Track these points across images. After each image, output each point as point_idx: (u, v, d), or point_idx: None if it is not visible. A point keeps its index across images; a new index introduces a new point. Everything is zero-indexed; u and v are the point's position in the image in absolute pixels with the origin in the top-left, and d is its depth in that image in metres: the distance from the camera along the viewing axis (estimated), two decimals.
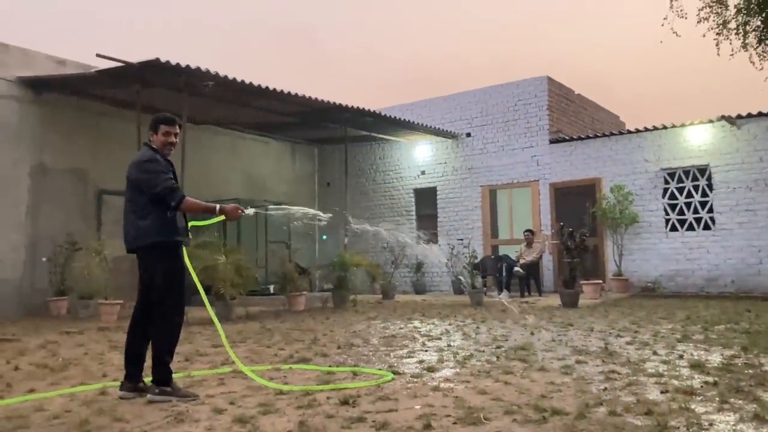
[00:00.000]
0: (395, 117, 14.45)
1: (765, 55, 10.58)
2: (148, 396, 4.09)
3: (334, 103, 12.58)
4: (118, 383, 4.35)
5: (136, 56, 10.48)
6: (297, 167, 18.01)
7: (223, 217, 4.33)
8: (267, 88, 11.22)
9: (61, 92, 11.74)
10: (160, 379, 4.14)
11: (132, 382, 4.26)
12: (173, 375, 4.26)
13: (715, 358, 5.17)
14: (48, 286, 11.15)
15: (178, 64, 9.78)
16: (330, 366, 5.22)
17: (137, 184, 4.27)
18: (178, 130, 4.49)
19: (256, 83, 11.03)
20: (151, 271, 4.28)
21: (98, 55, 9.48)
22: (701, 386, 4.08)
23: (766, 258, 12.07)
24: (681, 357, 5.24)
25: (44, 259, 11.17)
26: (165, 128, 4.40)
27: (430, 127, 15.43)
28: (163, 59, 9.53)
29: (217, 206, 4.29)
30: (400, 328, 7.94)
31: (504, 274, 13.27)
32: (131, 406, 3.97)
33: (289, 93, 11.66)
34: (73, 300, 10.82)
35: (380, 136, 15.99)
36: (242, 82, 10.81)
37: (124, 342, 4.43)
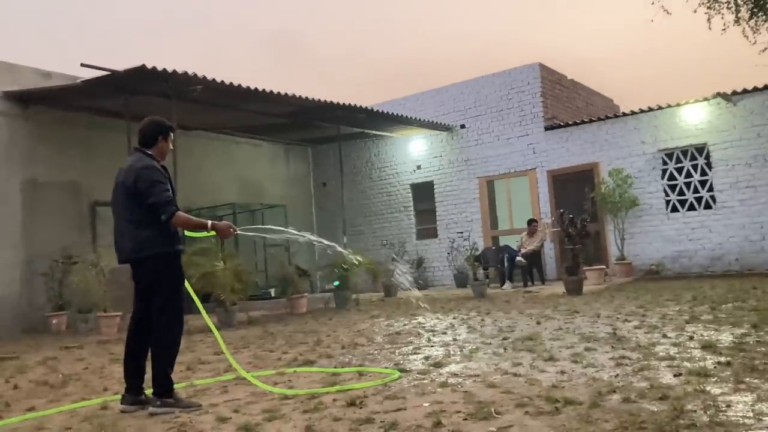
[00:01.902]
0: (388, 112, 14.34)
1: (758, 28, 10.47)
2: (150, 408, 3.99)
3: (326, 101, 12.47)
4: (119, 397, 4.25)
5: (122, 64, 10.37)
6: (291, 169, 17.90)
7: (214, 233, 4.24)
8: (256, 89, 11.11)
9: (48, 105, 11.63)
10: (161, 391, 4.04)
11: (133, 394, 4.16)
12: (175, 385, 4.16)
13: (726, 337, 5.07)
14: (46, 301, 11.04)
15: (164, 69, 9.66)
16: (335, 367, 5.13)
17: (134, 191, 4.11)
18: None
19: (244, 85, 10.91)
20: (153, 282, 4.17)
21: (83, 65, 9.38)
22: (714, 367, 3.99)
23: None
24: (691, 338, 5.14)
25: (41, 273, 11.06)
26: (172, 136, 4.38)
27: (424, 120, 15.33)
28: (148, 65, 9.41)
29: (209, 222, 4.18)
30: (404, 325, 7.84)
31: (506, 264, 13.19)
32: (133, 419, 3.87)
33: (279, 93, 11.55)
34: (72, 314, 10.71)
35: (374, 132, 15.89)
36: (231, 84, 10.71)
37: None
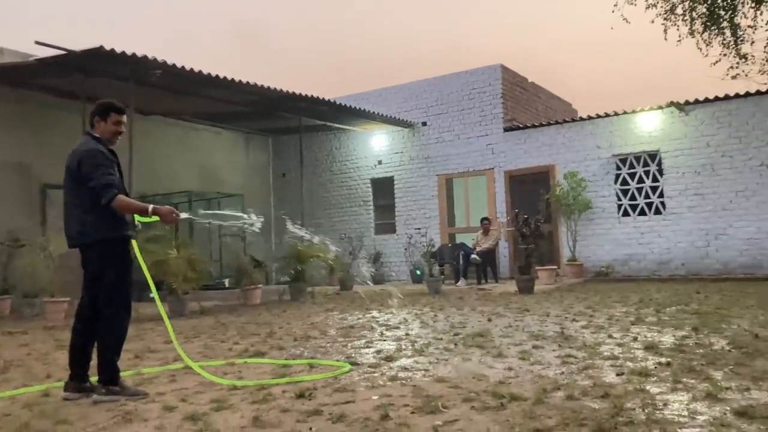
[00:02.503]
0: (351, 106, 14.31)
1: (710, 41, 10.81)
2: (94, 396, 3.92)
3: (288, 91, 12.37)
4: (63, 384, 4.15)
5: (79, 45, 10.09)
6: (251, 158, 17.72)
7: (158, 218, 4.09)
8: (218, 76, 10.95)
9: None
10: (107, 379, 3.97)
11: (77, 382, 4.07)
12: (122, 373, 4.09)
13: (668, 339, 5.25)
14: None
15: (123, 52, 9.45)
16: (286, 359, 5.12)
17: (77, 175, 4.04)
18: (125, 120, 4.29)
19: (205, 72, 10.75)
20: (100, 267, 4.08)
21: (37, 43, 9.09)
22: (655, 367, 4.13)
23: (714, 241, 12.41)
24: (635, 339, 5.31)
25: None
26: (116, 116, 4.18)
27: (386, 116, 15.34)
28: (107, 47, 9.19)
29: (150, 207, 4.04)
30: (358, 319, 7.87)
31: (461, 261, 13.33)
32: (76, 407, 3.80)
33: (240, 81, 11.41)
34: (17, 299, 10.41)
35: (336, 125, 15.84)
36: (191, 70, 10.53)
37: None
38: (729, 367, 4.03)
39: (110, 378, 3.97)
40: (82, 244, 4.11)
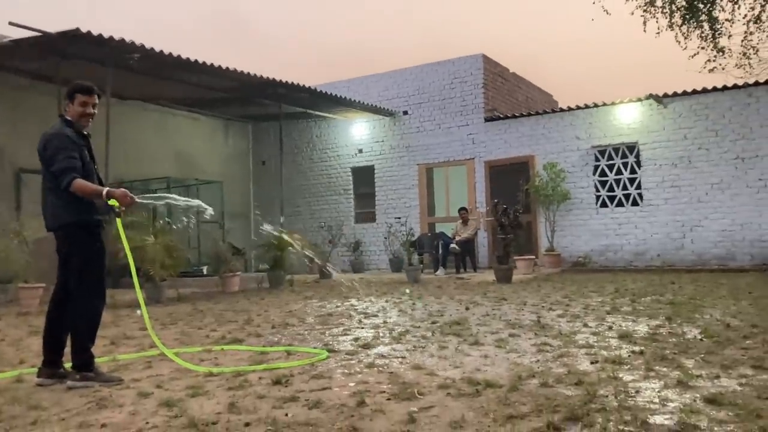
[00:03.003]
0: (331, 93, 14.24)
1: (689, 34, 10.90)
2: (68, 382, 3.88)
3: (268, 78, 12.28)
4: (36, 370, 4.11)
5: (55, 27, 9.90)
6: (230, 145, 17.57)
7: (115, 203, 3.93)
8: (197, 61, 10.83)
9: None
10: (81, 365, 3.93)
11: (51, 368, 4.03)
12: (96, 360, 4.06)
13: (642, 328, 5.32)
14: None
15: (100, 35, 9.30)
16: (263, 346, 5.11)
17: (44, 158, 4.01)
18: (96, 101, 4.18)
19: (185, 56, 10.62)
20: (67, 252, 4.05)
21: (11, 24, 8.91)
22: (629, 355, 4.19)
23: (689, 233, 12.59)
24: (610, 328, 5.38)
25: None
26: (82, 98, 4.09)
27: (367, 104, 15.31)
28: (83, 29, 9.04)
29: (105, 190, 3.94)
30: (337, 307, 7.87)
31: (440, 251, 13.39)
32: (49, 393, 3.76)
33: (220, 67, 11.30)
34: None
35: (316, 113, 15.76)
36: (170, 55, 10.39)
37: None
38: (700, 355, 4.11)
39: (84, 364, 3.93)
40: (52, 228, 4.08)
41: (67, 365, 4.06)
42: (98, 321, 4.12)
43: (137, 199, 4.18)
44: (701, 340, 4.67)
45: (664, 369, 3.75)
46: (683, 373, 3.59)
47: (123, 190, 4.04)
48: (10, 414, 3.28)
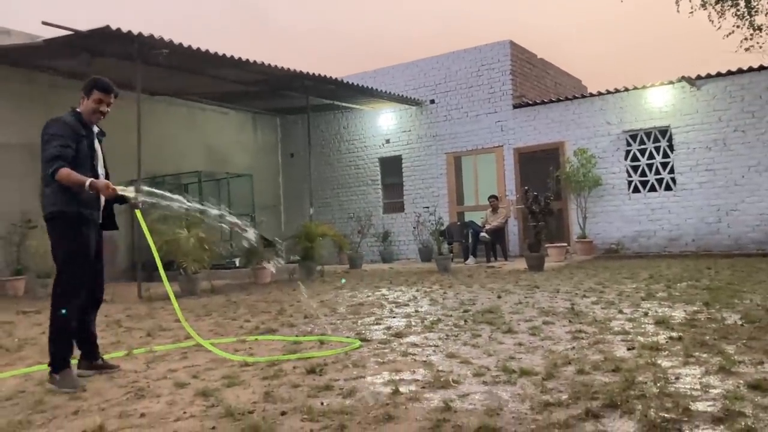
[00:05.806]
0: (357, 84, 14.21)
1: (723, 13, 10.59)
2: (48, 384, 3.75)
3: (295, 70, 12.29)
4: (76, 361, 4.18)
5: (86, 25, 10.05)
6: (259, 138, 17.68)
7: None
8: (224, 55, 10.88)
9: (8, 64, 11.21)
10: (50, 364, 3.80)
11: (88, 360, 4.10)
12: (134, 351, 4.11)
13: (679, 314, 5.22)
14: (4, 266, 10.79)
15: (129, 31, 9.38)
16: (297, 336, 5.14)
17: (41, 146, 3.89)
18: (112, 100, 4.07)
19: (212, 51, 10.68)
20: (53, 244, 3.92)
21: (44, 23, 9.05)
22: (666, 342, 4.11)
23: (725, 217, 12.31)
24: (646, 314, 5.28)
25: None
26: (99, 95, 3.99)
27: (394, 94, 15.25)
28: (113, 26, 9.15)
29: (88, 181, 3.74)
30: (368, 297, 7.88)
31: (470, 240, 13.31)
32: (89, 383, 3.82)
33: (247, 60, 11.33)
34: (31, 279, 10.49)
35: (343, 104, 15.75)
36: (198, 49, 10.45)
37: None
38: (742, 341, 4.01)
39: (50, 365, 3.80)
40: (44, 218, 3.94)
41: (107, 356, 4.13)
42: (68, 324, 3.86)
43: (130, 193, 4.02)
44: (742, 325, 4.56)
45: (705, 355, 3.67)
46: (725, 358, 3.51)
47: (105, 181, 3.88)
48: (52, 404, 3.35)
